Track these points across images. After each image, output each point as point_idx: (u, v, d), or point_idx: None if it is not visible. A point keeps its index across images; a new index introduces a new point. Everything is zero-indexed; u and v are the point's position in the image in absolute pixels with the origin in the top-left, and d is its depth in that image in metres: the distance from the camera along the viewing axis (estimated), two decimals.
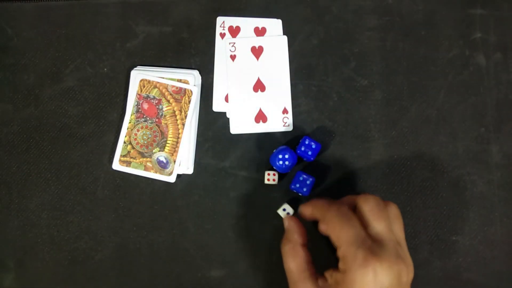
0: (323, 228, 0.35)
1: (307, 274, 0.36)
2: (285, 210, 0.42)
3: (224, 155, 0.45)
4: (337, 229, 0.34)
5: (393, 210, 0.36)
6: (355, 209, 0.36)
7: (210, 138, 0.45)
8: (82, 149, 0.45)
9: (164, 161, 0.44)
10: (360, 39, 0.46)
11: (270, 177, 0.43)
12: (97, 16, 0.46)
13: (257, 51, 0.45)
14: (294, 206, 0.43)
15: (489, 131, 0.45)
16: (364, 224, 0.35)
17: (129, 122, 0.44)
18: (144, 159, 0.44)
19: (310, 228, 0.39)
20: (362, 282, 0.32)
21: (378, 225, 0.34)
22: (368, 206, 0.35)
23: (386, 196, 0.44)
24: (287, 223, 0.39)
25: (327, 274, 0.35)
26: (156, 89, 0.44)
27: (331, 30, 0.46)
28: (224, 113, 0.45)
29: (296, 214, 0.41)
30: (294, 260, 0.37)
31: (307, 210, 0.38)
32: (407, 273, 0.33)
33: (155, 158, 0.44)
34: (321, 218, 0.36)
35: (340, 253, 0.34)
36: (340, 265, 0.34)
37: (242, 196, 0.44)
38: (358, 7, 0.46)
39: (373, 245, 0.33)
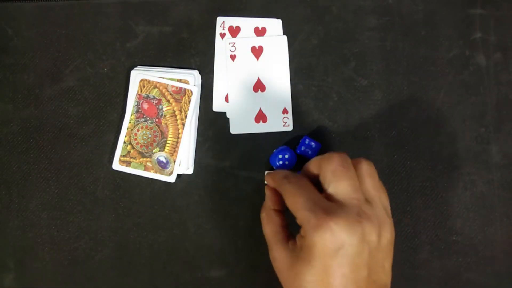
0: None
1: (280, 237, 0.36)
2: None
3: (224, 155, 0.45)
4: (290, 199, 0.34)
5: (365, 168, 0.35)
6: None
7: (210, 138, 0.45)
8: (82, 149, 0.45)
9: (164, 161, 0.44)
10: (360, 39, 0.46)
11: None
12: (97, 16, 0.46)
13: (257, 51, 0.45)
14: None
15: (489, 131, 0.45)
16: (325, 185, 0.34)
17: (129, 122, 0.44)
18: (144, 159, 0.44)
19: None
20: (320, 243, 0.31)
21: (339, 185, 0.33)
22: (331, 165, 0.34)
23: None
24: (266, 192, 0.39)
25: (297, 237, 0.34)
26: (156, 89, 0.44)
27: (331, 30, 0.46)
28: (224, 113, 0.45)
29: None
30: (268, 224, 0.37)
31: (268, 180, 0.39)
32: (377, 232, 0.32)
33: (155, 158, 0.44)
34: (278, 189, 0.37)
35: (298, 221, 0.33)
36: (301, 231, 0.33)
37: (242, 196, 0.44)
38: (358, 7, 0.46)
39: (329, 205, 0.32)
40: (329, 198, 0.33)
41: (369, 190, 0.34)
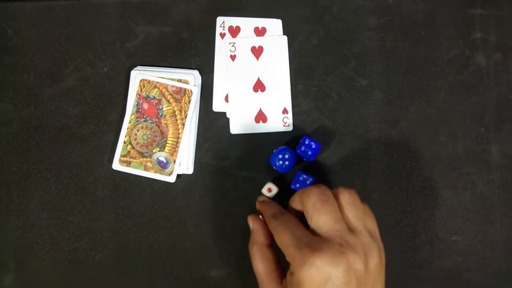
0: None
1: (273, 276, 0.36)
2: (270, 190, 0.43)
3: (224, 155, 0.45)
4: (278, 238, 0.35)
5: (346, 197, 0.35)
6: None
7: (210, 138, 0.45)
8: (82, 149, 0.45)
9: (164, 161, 0.44)
10: (360, 39, 0.46)
11: (270, 193, 0.43)
12: (97, 16, 0.46)
13: (257, 51, 0.45)
14: None
15: (489, 131, 0.45)
16: (308, 220, 0.35)
17: (129, 122, 0.44)
18: (144, 159, 0.44)
19: None
20: (308, 279, 0.31)
21: (320, 219, 0.33)
22: (311, 200, 0.34)
23: (386, 196, 0.45)
24: (251, 225, 0.39)
25: (287, 274, 0.34)
26: (156, 89, 0.44)
27: (331, 30, 0.46)
28: (224, 113, 0.45)
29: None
30: (261, 261, 0.37)
31: (259, 211, 0.40)
32: (363, 260, 0.32)
33: (155, 158, 0.44)
34: (269, 226, 0.37)
35: (286, 258, 0.33)
36: (290, 268, 0.33)
37: (242, 196, 0.44)
38: (358, 7, 0.46)
39: (312, 241, 0.32)
40: (313, 232, 0.34)
41: (351, 219, 0.34)
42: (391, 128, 0.45)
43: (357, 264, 0.32)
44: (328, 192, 0.35)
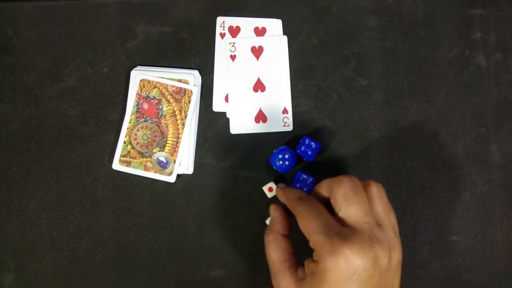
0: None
1: (287, 265, 0.35)
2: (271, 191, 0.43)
3: (224, 155, 0.45)
4: (304, 223, 0.34)
5: (374, 190, 0.35)
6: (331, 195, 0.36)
7: (210, 138, 0.45)
8: (82, 149, 0.45)
9: (164, 161, 0.44)
10: (360, 39, 0.46)
11: (271, 192, 0.44)
12: (97, 16, 0.46)
13: (257, 51, 0.45)
14: None
15: (489, 131, 0.45)
16: (337, 209, 0.34)
17: (129, 122, 0.44)
18: (144, 159, 0.44)
19: (294, 218, 0.38)
20: (334, 268, 0.31)
21: (350, 209, 0.33)
22: (342, 190, 0.34)
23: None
24: (272, 213, 0.39)
25: (305, 264, 0.34)
26: (156, 89, 0.44)
27: (331, 30, 0.46)
28: (224, 113, 0.45)
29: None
30: (276, 250, 0.36)
31: (281, 196, 0.39)
32: (387, 255, 0.32)
33: (155, 158, 0.44)
34: (292, 209, 0.36)
35: (311, 244, 0.33)
36: (314, 255, 0.33)
37: (242, 196, 0.44)
38: (358, 7, 0.46)
39: (342, 230, 0.32)
40: (341, 222, 0.33)
41: (380, 213, 0.34)
42: (391, 128, 0.45)
43: (383, 258, 0.32)
44: (359, 183, 0.35)
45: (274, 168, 0.43)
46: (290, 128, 0.45)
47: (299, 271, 0.35)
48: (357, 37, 0.46)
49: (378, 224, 0.34)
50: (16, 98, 0.45)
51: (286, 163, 0.43)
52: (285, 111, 0.45)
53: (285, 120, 0.45)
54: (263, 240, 0.44)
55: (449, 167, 0.45)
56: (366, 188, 0.35)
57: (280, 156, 0.43)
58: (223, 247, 0.44)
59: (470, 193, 0.45)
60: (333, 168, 0.45)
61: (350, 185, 0.34)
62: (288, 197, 0.38)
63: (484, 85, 0.46)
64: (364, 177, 0.45)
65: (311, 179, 0.42)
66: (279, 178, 0.45)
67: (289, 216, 0.39)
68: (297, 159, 0.43)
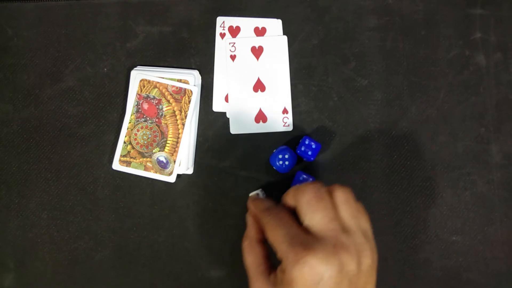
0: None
1: (261, 269, 0.36)
2: (258, 195, 0.43)
3: (224, 155, 0.45)
4: (270, 233, 0.34)
5: (340, 195, 0.34)
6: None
7: (210, 138, 0.45)
8: (82, 149, 0.45)
9: (164, 161, 0.44)
10: (360, 39, 0.46)
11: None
12: (97, 16, 0.46)
13: (257, 51, 0.45)
14: None
15: (489, 131, 0.45)
16: (301, 218, 0.34)
17: (129, 122, 0.44)
18: (144, 159, 0.44)
19: None
20: (300, 278, 0.31)
21: (314, 217, 0.33)
22: (305, 197, 0.34)
23: (386, 196, 0.44)
24: (247, 220, 0.39)
25: (278, 270, 0.34)
26: (156, 89, 0.44)
27: (331, 30, 0.46)
28: (224, 113, 0.45)
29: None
30: (250, 255, 0.37)
31: (251, 207, 0.39)
32: (356, 261, 0.32)
33: (155, 158, 0.44)
34: (260, 220, 0.37)
35: (278, 254, 0.33)
36: (281, 265, 0.33)
37: (242, 196, 0.44)
38: (358, 7, 0.46)
39: (306, 239, 0.32)
40: (307, 230, 0.33)
41: (346, 218, 0.34)
42: (391, 128, 0.45)
43: (350, 264, 0.31)
44: (323, 189, 0.34)
45: (274, 168, 0.43)
46: (290, 128, 0.45)
47: (273, 276, 0.34)
48: (357, 37, 0.46)
49: (345, 230, 0.33)
50: (16, 98, 0.45)
51: (286, 163, 0.43)
52: (285, 111, 0.45)
53: (285, 120, 0.45)
54: None
55: (449, 167, 0.45)
56: (331, 193, 0.35)
57: (280, 156, 0.43)
58: (223, 247, 0.44)
59: (470, 193, 0.45)
60: (333, 168, 0.45)
61: (313, 192, 0.34)
62: (257, 208, 0.38)
63: (484, 85, 0.46)
64: (364, 177, 0.45)
65: (311, 179, 0.42)
66: (279, 178, 0.45)
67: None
68: (297, 159, 0.43)
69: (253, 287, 0.36)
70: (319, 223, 0.33)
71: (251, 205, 0.39)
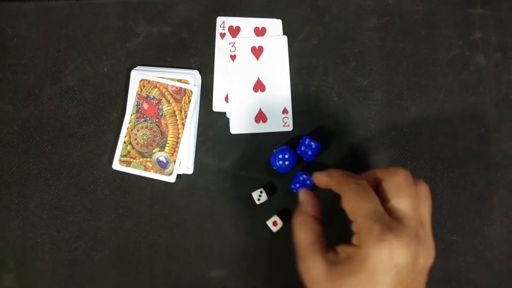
0: (342, 204, 0.34)
1: (317, 247, 0.34)
2: (260, 197, 0.43)
3: (224, 155, 0.45)
4: (353, 202, 0.32)
5: (423, 190, 0.34)
6: (379, 185, 0.34)
7: (210, 138, 0.45)
8: (82, 149, 0.45)
9: (164, 161, 0.44)
10: (360, 39, 0.46)
11: (262, 198, 0.43)
12: (97, 16, 0.46)
13: (257, 51, 0.45)
14: (295, 205, 0.43)
15: (489, 131, 0.45)
16: (386, 199, 0.33)
17: (129, 122, 0.44)
18: (144, 159, 0.44)
19: (324, 203, 0.37)
20: (376, 257, 0.30)
21: (402, 201, 0.32)
22: (396, 180, 0.33)
23: None
24: (301, 196, 0.37)
25: (339, 248, 0.33)
26: (156, 89, 0.44)
27: (331, 30, 0.46)
28: (224, 113, 0.45)
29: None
30: (305, 232, 0.35)
31: (322, 179, 0.37)
32: (425, 256, 0.31)
33: (155, 158, 0.44)
34: (337, 190, 0.35)
35: (354, 227, 0.32)
36: (354, 239, 0.32)
37: (242, 196, 0.44)
38: (358, 7, 0.46)
39: (391, 221, 0.31)
40: (389, 212, 0.32)
41: (425, 213, 0.33)
42: (391, 128, 0.45)
43: (421, 258, 0.31)
44: (412, 178, 0.33)
45: (274, 168, 0.43)
46: (290, 128, 0.45)
47: (330, 254, 0.33)
48: (357, 37, 0.46)
49: (422, 224, 0.33)
50: (16, 98, 0.45)
51: (286, 163, 0.43)
52: (285, 111, 0.45)
53: (285, 120, 0.45)
54: (263, 240, 0.44)
55: (449, 167, 0.45)
56: (416, 185, 0.34)
57: (280, 156, 0.43)
58: (223, 247, 0.44)
59: (470, 193, 0.45)
60: (333, 168, 0.45)
61: (405, 176, 0.33)
62: (334, 174, 0.36)
63: (484, 85, 0.46)
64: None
65: (311, 179, 0.42)
66: (279, 178, 0.44)
67: (319, 200, 0.37)
68: (297, 159, 0.43)
69: (305, 264, 0.34)
70: (406, 209, 0.32)
71: (323, 175, 0.37)
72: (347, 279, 0.31)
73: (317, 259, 0.33)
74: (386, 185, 0.33)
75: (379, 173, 0.34)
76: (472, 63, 0.46)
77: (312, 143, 0.43)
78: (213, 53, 0.45)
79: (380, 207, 0.32)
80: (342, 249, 0.33)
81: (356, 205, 0.32)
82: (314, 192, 0.38)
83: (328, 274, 0.32)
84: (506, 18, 0.46)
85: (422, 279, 0.32)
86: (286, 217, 0.44)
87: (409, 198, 0.32)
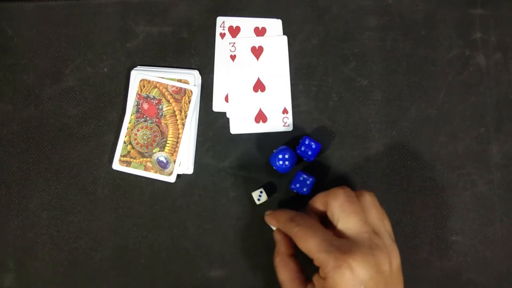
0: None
1: (296, 283, 0.36)
2: (260, 197, 0.43)
3: (224, 155, 0.45)
4: (302, 243, 0.34)
5: (367, 199, 0.36)
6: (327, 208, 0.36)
7: (210, 138, 0.45)
8: (82, 149, 0.45)
9: (164, 161, 0.44)
10: (360, 39, 0.46)
11: (262, 198, 0.43)
12: (97, 16, 0.46)
13: (257, 51, 0.45)
14: (295, 205, 0.43)
15: (489, 131, 0.45)
16: (334, 222, 0.35)
17: (129, 122, 0.44)
18: (144, 159, 0.44)
19: None
20: (342, 283, 0.31)
21: (349, 220, 0.34)
22: (338, 201, 0.35)
23: (386, 196, 0.44)
24: (275, 236, 0.39)
25: (315, 280, 0.35)
26: (156, 89, 0.44)
27: (331, 30, 0.46)
28: (224, 113, 0.45)
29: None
30: (284, 271, 0.37)
31: (271, 221, 0.39)
32: (388, 260, 0.33)
33: (155, 158, 0.44)
34: (286, 232, 0.37)
35: (315, 263, 0.33)
36: (320, 273, 0.33)
37: (242, 196, 0.44)
38: (358, 7, 0.46)
39: (343, 243, 0.33)
40: (339, 234, 0.34)
41: (375, 221, 0.35)
42: (391, 128, 0.45)
43: (385, 265, 0.32)
44: (353, 194, 0.35)
45: (274, 168, 0.43)
46: (290, 128, 0.45)
47: (310, 287, 0.35)
48: (357, 37, 0.46)
49: (375, 232, 0.34)
50: (16, 98, 0.45)
51: (286, 163, 0.43)
52: (285, 111, 0.45)
53: (285, 120, 0.45)
54: (263, 240, 0.44)
55: (449, 167, 0.45)
56: (359, 197, 0.36)
57: (280, 156, 0.43)
58: (223, 247, 0.44)
59: (470, 193, 0.45)
60: (333, 168, 0.45)
61: (345, 196, 0.35)
62: (279, 220, 0.38)
63: (484, 85, 0.46)
64: (364, 177, 0.45)
65: (311, 179, 0.42)
66: (279, 178, 0.44)
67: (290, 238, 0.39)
68: (297, 159, 0.43)
69: None
70: (354, 226, 0.34)
71: (271, 219, 0.39)
72: None
73: None
74: (331, 209, 0.35)
75: (323, 198, 0.36)
76: (472, 63, 0.46)
77: (312, 143, 0.43)
78: (213, 53, 0.45)
79: (326, 236, 0.33)
80: (316, 281, 0.34)
81: (306, 245, 0.34)
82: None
83: None
84: (506, 18, 0.46)
85: (396, 280, 0.33)
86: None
87: (355, 214, 0.34)
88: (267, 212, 0.41)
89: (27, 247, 0.44)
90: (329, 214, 0.36)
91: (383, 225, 0.35)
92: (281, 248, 0.38)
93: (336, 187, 0.36)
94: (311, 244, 0.33)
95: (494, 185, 0.45)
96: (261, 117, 0.45)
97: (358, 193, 0.36)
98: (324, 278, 0.33)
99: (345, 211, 0.34)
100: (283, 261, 0.38)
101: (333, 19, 0.46)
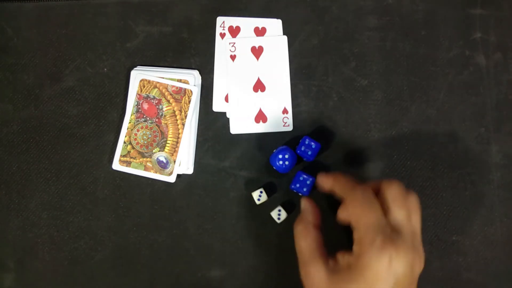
0: (342, 210, 0.35)
1: (318, 254, 0.35)
2: (260, 197, 0.43)
3: (224, 155, 0.45)
4: (358, 210, 0.33)
5: (413, 200, 0.35)
6: (377, 194, 0.35)
7: (210, 138, 0.45)
8: (82, 149, 0.45)
9: (164, 161, 0.44)
10: (360, 39, 0.46)
11: (262, 198, 0.43)
12: (97, 16, 0.46)
13: (257, 51, 0.45)
14: (295, 205, 0.43)
15: (489, 131, 0.45)
16: (386, 209, 0.34)
17: (129, 122, 0.44)
18: (144, 159, 0.44)
19: (325, 211, 0.38)
20: (376, 267, 0.31)
21: (399, 213, 0.34)
22: (392, 192, 0.34)
23: None
24: (303, 204, 0.38)
25: (339, 256, 0.34)
26: (156, 89, 0.44)
27: (331, 30, 0.46)
28: (224, 113, 0.45)
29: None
30: (306, 239, 0.36)
31: (327, 182, 0.38)
32: (419, 265, 0.33)
33: (155, 158, 0.44)
34: (342, 194, 0.36)
35: (357, 235, 0.33)
36: (355, 248, 0.33)
37: (242, 196, 0.44)
38: (358, 7, 0.46)
39: (391, 232, 0.32)
40: (389, 223, 0.33)
41: (416, 224, 0.35)
42: (391, 128, 0.45)
43: (416, 267, 0.33)
44: (405, 189, 0.35)
45: (274, 168, 0.43)
46: (290, 128, 0.45)
47: (331, 262, 0.34)
48: (357, 37, 0.46)
49: (414, 233, 0.34)
50: (16, 98, 0.45)
51: (286, 163, 0.43)
52: (285, 111, 0.45)
53: (285, 120, 0.45)
54: (263, 240, 0.44)
55: (449, 167, 0.45)
56: (407, 197, 0.35)
57: (280, 156, 0.43)
58: (223, 247, 0.44)
59: (470, 193, 0.45)
60: (333, 168, 0.45)
61: (400, 189, 0.35)
62: (339, 180, 0.37)
63: (484, 85, 0.46)
64: (364, 177, 0.45)
65: (311, 179, 0.42)
66: (279, 178, 0.44)
67: (319, 208, 0.38)
68: (297, 159, 0.43)
69: (306, 270, 0.35)
70: (402, 220, 0.33)
71: (329, 179, 0.38)
72: (346, 287, 0.32)
73: (318, 266, 0.34)
74: (384, 196, 0.34)
75: (378, 184, 0.36)
76: (472, 63, 0.46)
77: (312, 143, 0.43)
78: (213, 53, 0.45)
79: (383, 219, 0.33)
80: (342, 257, 0.34)
81: (362, 214, 0.33)
82: (313, 197, 0.39)
83: (328, 281, 0.33)
84: (506, 18, 0.46)
85: (414, 285, 0.33)
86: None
87: (405, 209, 0.34)
88: (321, 173, 0.39)
89: (27, 247, 0.44)
90: (382, 200, 0.34)
91: (420, 230, 0.35)
92: (308, 216, 0.37)
93: (389, 178, 0.36)
94: (367, 216, 0.33)
95: (494, 185, 0.45)
96: (261, 117, 0.45)
97: (407, 192, 0.35)
98: (357, 255, 0.32)
99: (397, 202, 0.34)
100: (306, 229, 0.36)
101: (333, 19, 0.46)
